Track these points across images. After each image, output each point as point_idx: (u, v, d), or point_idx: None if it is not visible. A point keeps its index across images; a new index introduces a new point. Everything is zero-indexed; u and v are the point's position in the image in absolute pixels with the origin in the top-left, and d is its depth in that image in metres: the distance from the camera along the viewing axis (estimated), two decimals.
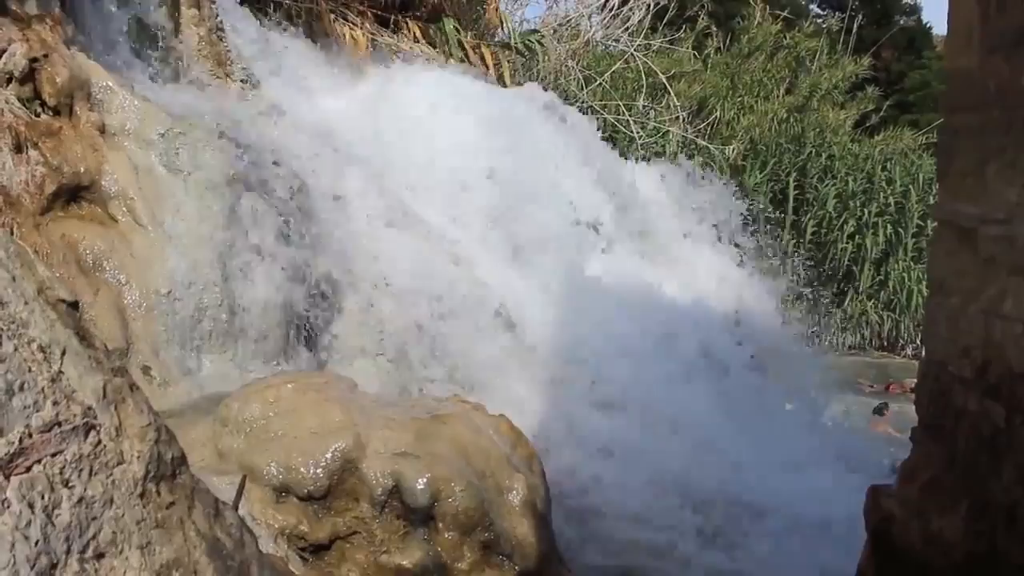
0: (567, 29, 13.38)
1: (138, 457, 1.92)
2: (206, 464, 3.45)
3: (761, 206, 12.57)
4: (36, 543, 1.60)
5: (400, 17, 9.62)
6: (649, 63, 12.96)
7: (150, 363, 4.40)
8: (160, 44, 6.10)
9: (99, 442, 1.83)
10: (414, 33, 9.60)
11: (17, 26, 4.81)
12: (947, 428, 2.99)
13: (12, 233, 3.99)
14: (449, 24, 9.79)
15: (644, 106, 12.73)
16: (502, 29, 11.43)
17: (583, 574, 4.44)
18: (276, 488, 3.48)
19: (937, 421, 3.09)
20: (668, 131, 12.62)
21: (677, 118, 12.81)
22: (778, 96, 14.32)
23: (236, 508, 3.13)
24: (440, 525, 3.52)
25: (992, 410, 2.71)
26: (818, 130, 14.16)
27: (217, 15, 6.59)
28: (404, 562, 3.46)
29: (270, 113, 6.43)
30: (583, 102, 12.09)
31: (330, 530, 3.50)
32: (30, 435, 1.67)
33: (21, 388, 1.69)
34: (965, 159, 2.96)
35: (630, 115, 12.48)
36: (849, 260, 13.10)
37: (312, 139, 6.44)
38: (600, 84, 12.83)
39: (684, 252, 9.13)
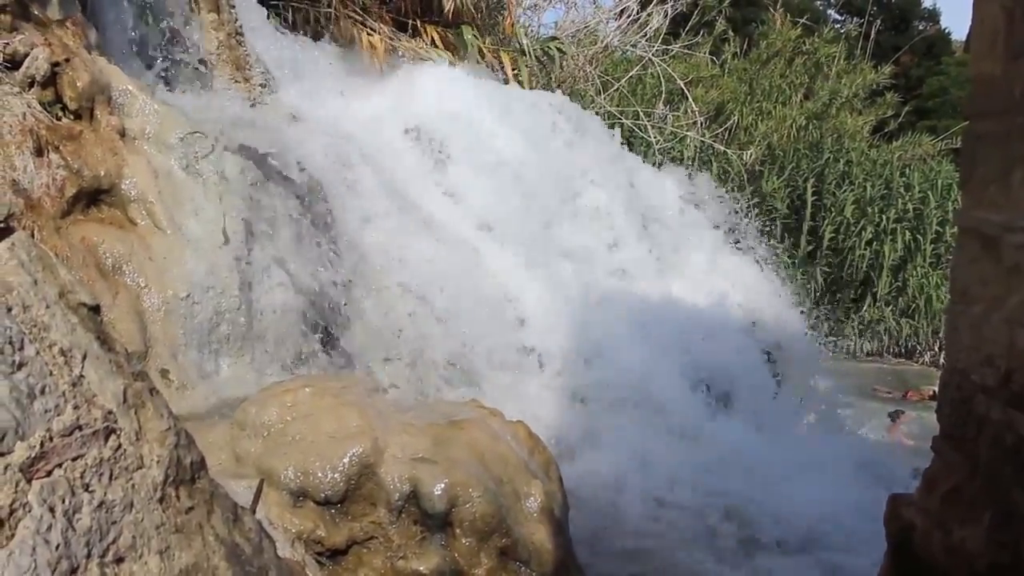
0: (585, 35, 13.38)
1: (158, 461, 1.92)
2: (224, 468, 3.45)
3: (779, 212, 12.53)
4: (57, 547, 1.60)
5: (418, 22, 9.63)
6: (667, 68, 12.95)
7: (168, 366, 4.41)
8: (179, 48, 6.12)
9: (119, 446, 1.83)
10: (432, 38, 9.60)
11: (39, 31, 4.84)
12: (969, 437, 2.96)
13: (32, 236, 4.01)
14: (468, 32, 9.79)
15: (662, 112, 12.71)
16: (517, 41, 11.41)
17: None
18: (293, 492, 3.48)
19: (959, 430, 3.05)
20: (686, 136, 12.60)
21: (695, 123, 12.79)
22: (797, 102, 14.27)
23: (253, 512, 3.13)
24: (457, 531, 3.51)
25: (1016, 420, 2.68)
26: (836, 136, 14.11)
27: (236, 19, 6.61)
28: (421, 567, 3.46)
29: (289, 117, 6.44)
30: (601, 107, 12.08)
31: (347, 535, 3.50)
32: (51, 439, 1.68)
33: (42, 392, 1.69)
34: (989, 166, 2.93)
35: (648, 120, 12.46)
36: (867, 266, 13.04)
37: (331, 143, 6.45)
38: (618, 89, 12.82)
39: (702, 258, 9.09)
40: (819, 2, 25.61)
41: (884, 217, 12.98)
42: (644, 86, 13.23)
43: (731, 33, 15.03)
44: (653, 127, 12.43)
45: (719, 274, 8.98)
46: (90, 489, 1.72)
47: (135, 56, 5.78)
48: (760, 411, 7.22)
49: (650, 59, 13.03)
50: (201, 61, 6.28)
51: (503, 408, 4.37)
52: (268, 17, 7.62)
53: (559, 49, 11.92)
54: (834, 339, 12.16)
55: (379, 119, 7.65)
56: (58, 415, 1.71)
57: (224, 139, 5.14)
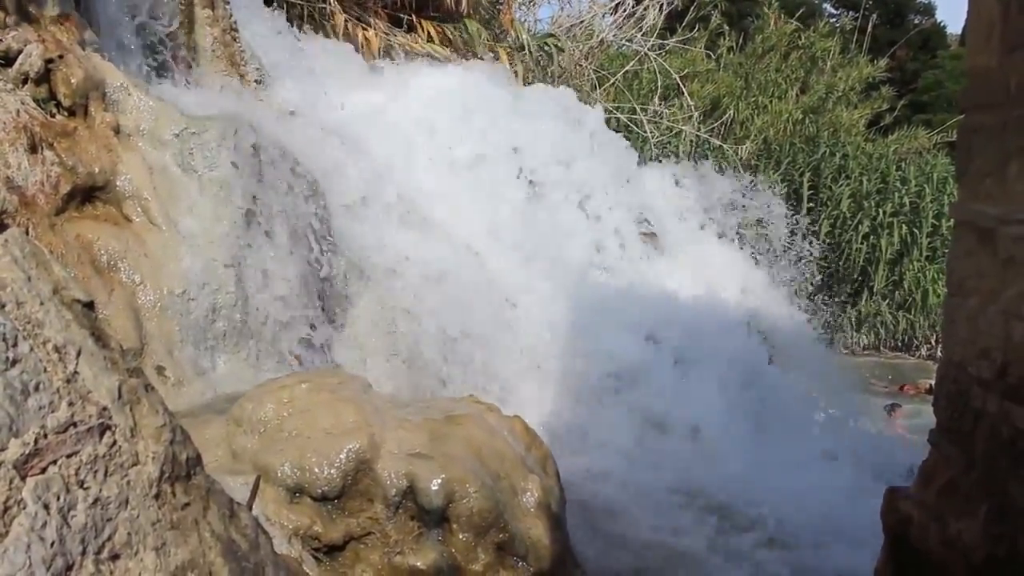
0: (580, 30, 13.38)
1: (153, 458, 1.91)
2: (220, 464, 3.45)
3: (775, 206, 12.52)
4: (52, 544, 1.60)
5: (414, 18, 9.62)
6: (663, 63, 12.94)
7: (164, 363, 4.40)
8: (174, 44, 6.10)
9: (114, 443, 1.82)
10: (428, 33, 9.60)
11: (33, 27, 4.82)
12: (965, 430, 2.97)
13: (27, 233, 4.00)
14: (472, 25, 9.80)
15: (657, 107, 12.71)
16: (516, 38, 11.39)
17: None
18: (290, 488, 3.47)
19: (955, 423, 3.06)
20: (681, 131, 12.60)
21: (690, 118, 12.78)
22: (792, 96, 14.26)
23: (250, 508, 3.12)
24: (454, 526, 3.51)
25: (1012, 412, 2.68)
26: (832, 130, 14.10)
27: (231, 15, 6.60)
28: (418, 563, 3.45)
29: (284, 113, 6.43)
30: (596, 102, 12.07)
31: (344, 531, 3.49)
32: (45, 436, 1.67)
33: (36, 388, 1.69)
34: (985, 158, 2.93)
35: (643, 115, 12.46)
36: (864, 260, 13.03)
37: (327, 138, 6.44)
38: (613, 84, 12.82)
39: (699, 252, 9.09)
40: None
41: (880, 211, 12.98)
42: (640, 81, 13.23)
43: (727, 27, 15.02)
44: (649, 122, 12.43)
45: (717, 269, 8.98)
46: (85, 486, 1.72)
47: (129, 52, 5.76)
48: (758, 406, 7.22)
49: (646, 54, 13.03)
50: (196, 57, 6.26)
51: (500, 403, 4.37)
52: (265, 11, 7.59)
53: (557, 47, 11.91)
54: (831, 333, 12.16)
55: (378, 114, 7.64)
56: (52, 412, 1.70)
57: (219, 135, 5.12)
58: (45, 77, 4.74)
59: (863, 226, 12.95)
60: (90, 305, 1.97)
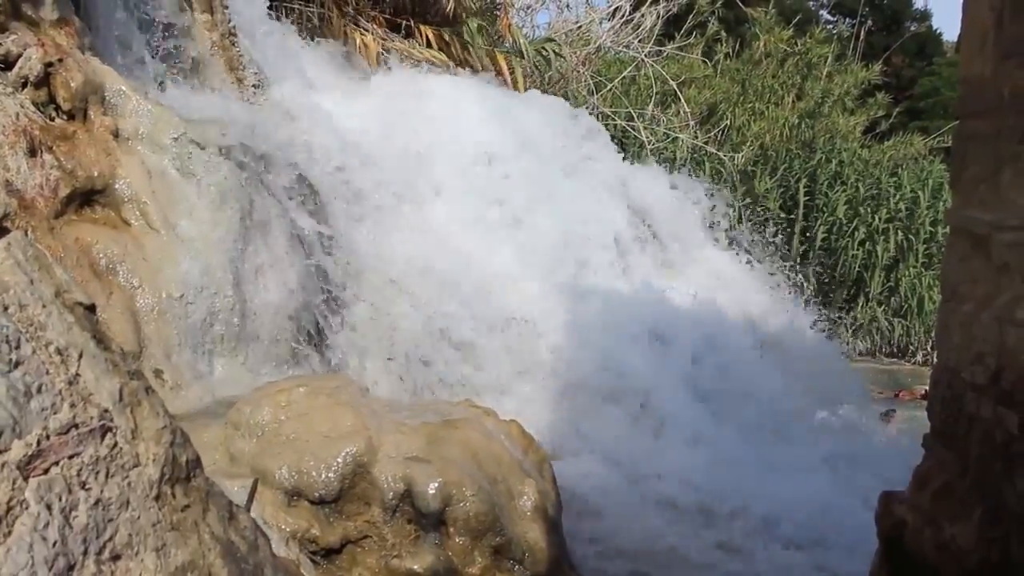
0: (577, 36, 13.41)
1: (154, 460, 1.92)
2: (218, 467, 3.46)
3: (771, 212, 12.54)
4: (54, 544, 1.61)
5: (412, 23, 9.64)
6: (660, 69, 12.98)
7: (162, 366, 4.41)
8: (173, 49, 6.12)
9: (115, 444, 1.83)
10: (426, 38, 9.62)
11: (32, 31, 4.83)
12: (960, 435, 2.98)
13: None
14: (474, 23, 9.82)
15: (654, 113, 12.73)
16: (513, 43, 11.42)
17: None
18: (288, 491, 3.49)
19: (949, 428, 3.08)
20: (678, 137, 12.63)
21: (687, 124, 12.82)
22: (789, 102, 14.29)
23: (248, 511, 3.13)
24: (451, 530, 3.53)
25: (1006, 417, 2.70)
26: (828, 136, 14.13)
27: (230, 20, 6.62)
28: (415, 566, 3.47)
29: (283, 117, 6.44)
30: (593, 108, 12.10)
31: (341, 534, 3.51)
32: (48, 437, 1.68)
33: (39, 390, 1.70)
34: (979, 165, 2.95)
35: (640, 121, 12.49)
36: (859, 266, 13.05)
37: (325, 143, 6.45)
38: (610, 90, 12.85)
39: (698, 258, 9.11)
40: (811, 2, 25.66)
41: (876, 217, 12.99)
42: (637, 87, 13.26)
43: (724, 34, 15.05)
44: (645, 128, 12.46)
45: (715, 274, 9.00)
46: (87, 487, 1.73)
47: (128, 56, 5.77)
48: (755, 410, 7.23)
49: (643, 60, 13.07)
50: (194, 61, 6.27)
51: (497, 407, 4.38)
52: (266, 16, 7.61)
53: (556, 52, 11.93)
54: (827, 339, 12.15)
55: (377, 117, 7.65)
56: (55, 413, 1.71)
57: (218, 138, 5.14)
58: (44, 81, 4.76)
59: (859, 232, 12.96)
60: (92, 308, 1.99)
